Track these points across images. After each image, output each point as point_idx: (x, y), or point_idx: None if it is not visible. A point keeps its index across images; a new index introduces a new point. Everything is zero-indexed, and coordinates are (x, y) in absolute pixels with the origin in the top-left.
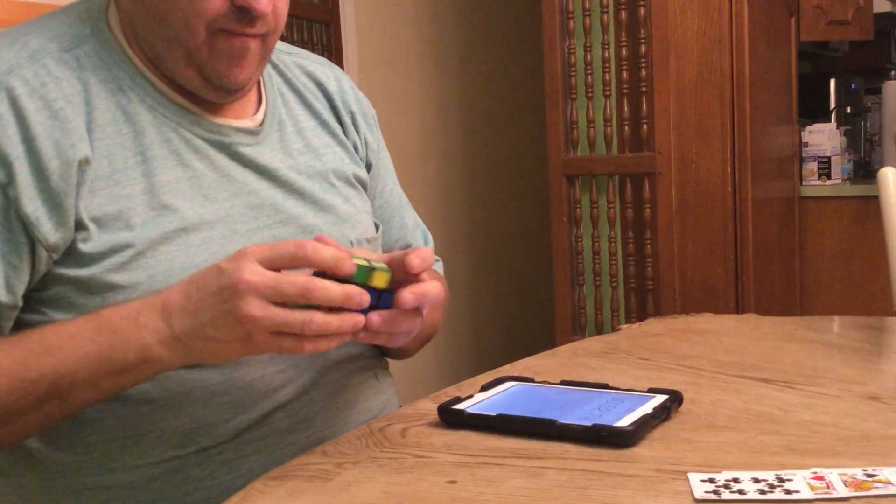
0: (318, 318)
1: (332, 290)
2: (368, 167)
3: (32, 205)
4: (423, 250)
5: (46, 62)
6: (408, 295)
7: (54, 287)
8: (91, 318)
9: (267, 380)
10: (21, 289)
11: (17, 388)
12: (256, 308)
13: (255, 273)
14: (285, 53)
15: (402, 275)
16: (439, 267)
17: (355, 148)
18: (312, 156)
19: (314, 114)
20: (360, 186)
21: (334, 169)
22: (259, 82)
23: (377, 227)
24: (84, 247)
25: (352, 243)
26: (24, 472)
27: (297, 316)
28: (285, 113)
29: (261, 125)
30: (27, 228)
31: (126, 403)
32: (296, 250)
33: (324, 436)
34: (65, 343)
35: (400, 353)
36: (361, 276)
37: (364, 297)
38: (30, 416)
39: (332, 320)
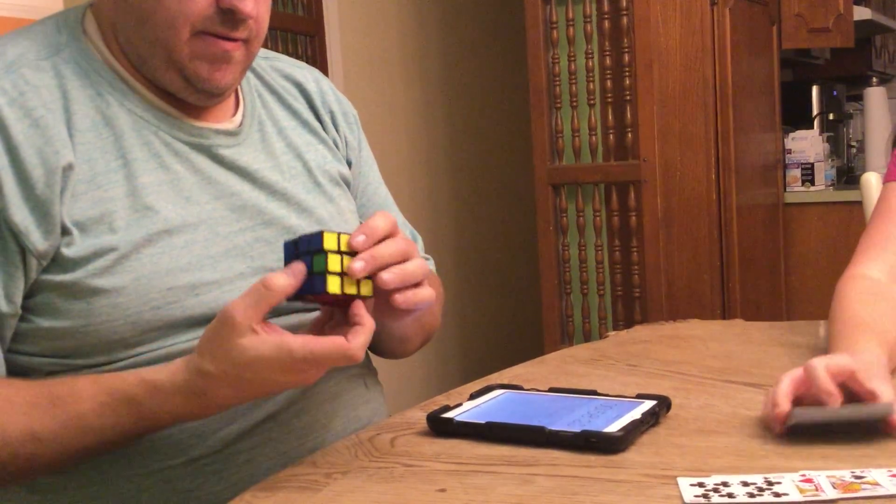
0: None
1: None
2: (349, 165)
3: (20, 214)
4: (378, 219)
5: (24, 72)
6: (385, 275)
7: (40, 293)
8: (130, 408)
9: None
10: (19, 297)
11: (57, 461)
12: (314, 376)
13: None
14: (262, 58)
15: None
16: (431, 265)
17: (336, 145)
18: (295, 154)
19: (294, 113)
20: (344, 185)
21: (318, 166)
22: None
23: None
24: (68, 252)
25: None
26: (11, 488)
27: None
28: (265, 114)
29: (240, 126)
30: (17, 238)
31: None
32: (266, 293)
33: (313, 445)
34: (105, 425)
35: (403, 348)
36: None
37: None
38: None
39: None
